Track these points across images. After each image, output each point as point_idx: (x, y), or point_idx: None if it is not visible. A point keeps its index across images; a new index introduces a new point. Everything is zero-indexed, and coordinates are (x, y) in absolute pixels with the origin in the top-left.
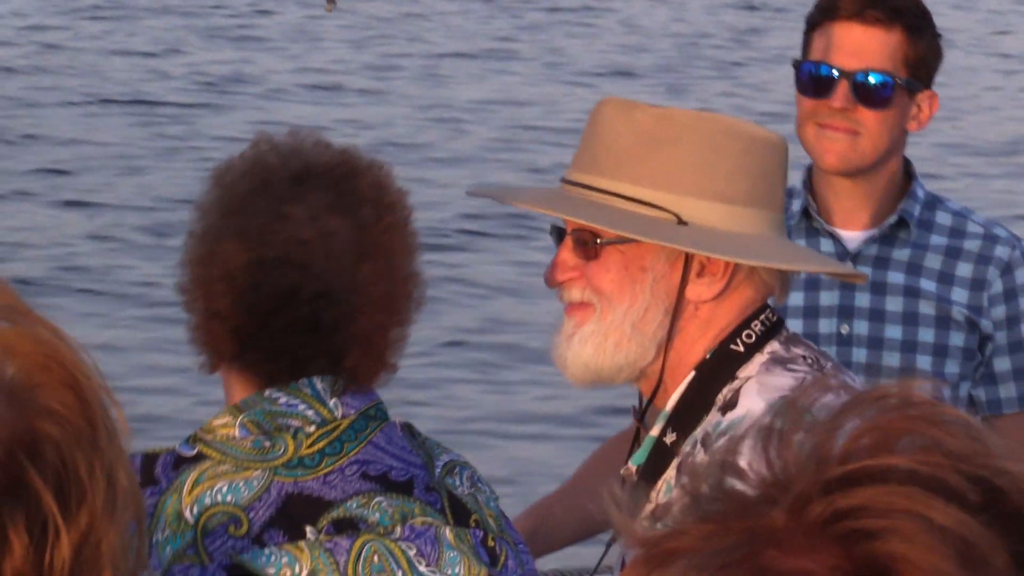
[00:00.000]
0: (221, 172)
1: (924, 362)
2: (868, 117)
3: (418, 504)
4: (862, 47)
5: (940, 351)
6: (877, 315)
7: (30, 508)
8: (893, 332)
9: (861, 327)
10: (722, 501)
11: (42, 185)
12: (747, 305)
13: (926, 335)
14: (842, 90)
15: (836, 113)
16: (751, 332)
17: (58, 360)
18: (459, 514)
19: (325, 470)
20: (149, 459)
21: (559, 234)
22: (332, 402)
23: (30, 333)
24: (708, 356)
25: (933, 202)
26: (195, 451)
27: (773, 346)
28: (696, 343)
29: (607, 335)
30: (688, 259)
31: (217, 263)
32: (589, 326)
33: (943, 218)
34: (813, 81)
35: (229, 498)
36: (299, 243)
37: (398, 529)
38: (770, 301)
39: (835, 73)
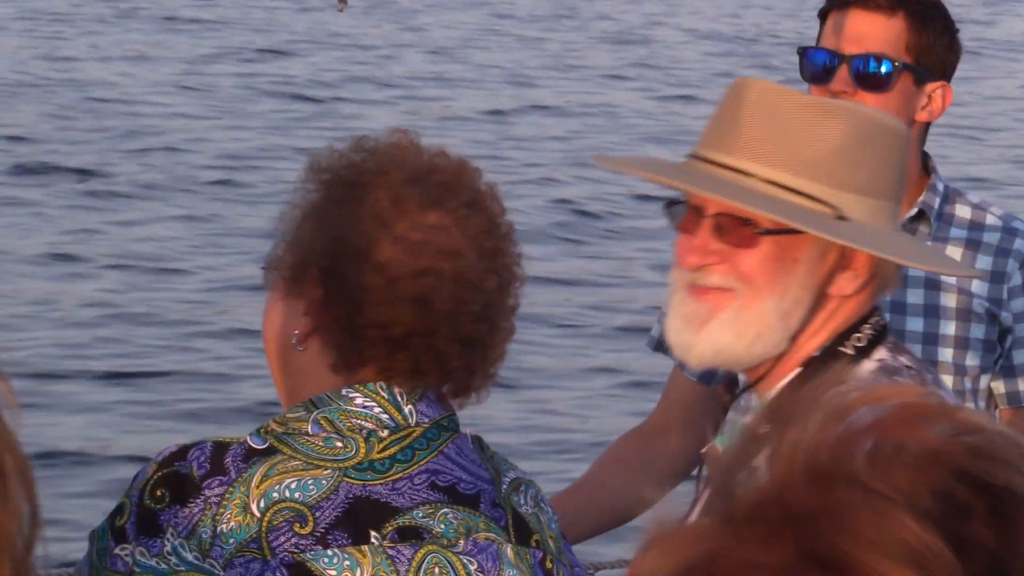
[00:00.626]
0: (345, 172)
1: (945, 354)
2: (869, 101)
3: (483, 519)
4: (863, 32)
5: (961, 343)
6: (899, 307)
7: None
8: (914, 324)
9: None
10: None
11: None
12: (868, 301)
13: (947, 328)
14: (841, 75)
15: (837, 98)
16: (861, 335)
17: None
18: (521, 532)
19: (394, 476)
20: (219, 448)
21: (680, 209)
22: (407, 408)
23: None
24: (817, 353)
25: (952, 195)
26: (266, 444)
27: (881, 353)
28: (815, 336)
29: (750, 324)
30: (839, 253)
31: (375, 271)
32: (728, 313)
33: (962, 211)
34: (814, 67)
35: (297, 495)
36: (454, 254)
37: (461, 542)
38: None
39: (835, 59)
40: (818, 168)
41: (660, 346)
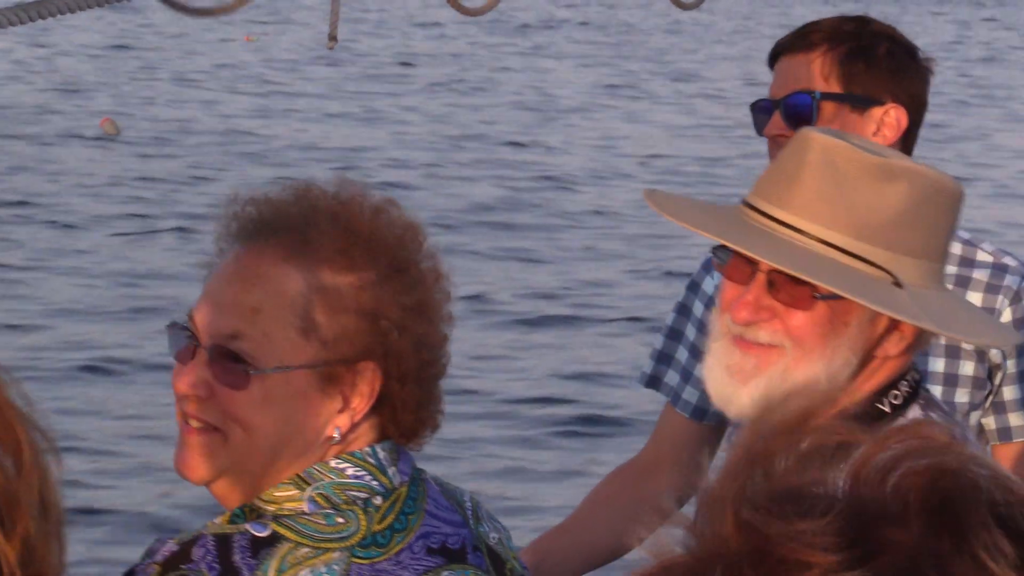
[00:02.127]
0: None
1: (934, 392)
2: None
3: (472, 571)
4: (788, 74)
5: (950, 380)
6: None
7: None
8: None
9: None
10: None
11: None
12: (908, 359)
13: (936, 364)
14: (775, 119)
15: (776, 141)
16: (898, 393)
17: None
18: (497, 566)
19: (396, 548)
20: (222, 543)
21: (736, 261)
22: (391, 471)
23: None
24: (855, 409)
25: None
26: (268, 531)
27: (915, 411)
28: (855, 392)
29: (797, 379)
30: (889, 321)
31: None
32: (775, 370)
33: (953, 247)
34: (757, 118)
35: None
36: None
37: None
38: None
39: (770, 104)
40: (877, 232)
41: (652, 382)
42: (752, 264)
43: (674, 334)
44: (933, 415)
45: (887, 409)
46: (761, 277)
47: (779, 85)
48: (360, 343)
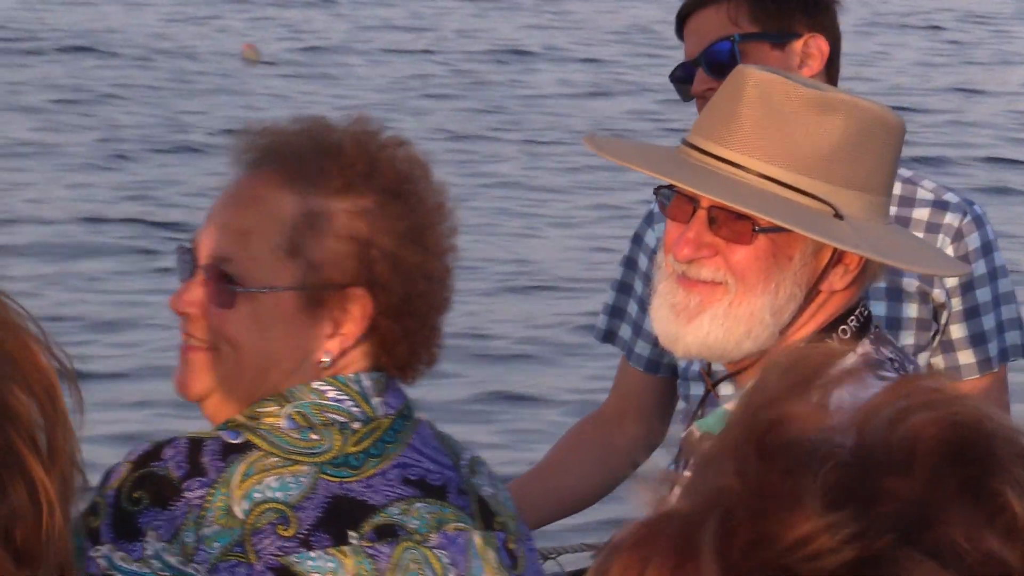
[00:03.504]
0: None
1: None
2: None
3: (452, 509)
4: (699, 30)
5: (893, 324)
6: None
7: (25, 475)
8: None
9: None
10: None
11: None
12: (856, 293)
13: (878, 308)
14: (699, 76)
15: (705, 99)
16: (847, 328)
17: (26, 331)
18: (486, 516)
19: (368, 472)
20: (194, 445)
21: (677, 200)
22: (375, 401)
23: (7, 305)
24: (804, 344)
25: None
26: (241, 439)
27: (865, 346)
28: (801, 329)
29: (741, 320)
30: (833, 249)
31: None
32: (719, 307)
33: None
34: (680, 84)
35: (279, 495)
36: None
37: (433, 536)
38: None
39: (689, 67)
40: (817, 165)
41: (607, 336)
42: (693, 201)
43: (623, 287)
44: (884, 350)
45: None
46: (702, 214)
47: (694, 44)
48: (349, 269)
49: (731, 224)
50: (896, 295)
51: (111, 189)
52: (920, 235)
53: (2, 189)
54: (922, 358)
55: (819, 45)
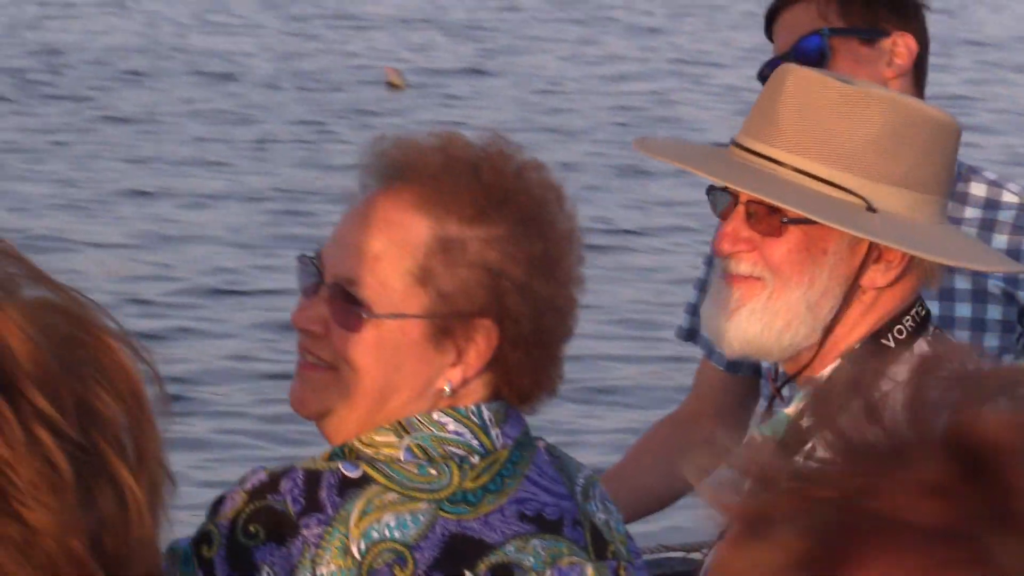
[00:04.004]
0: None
1: (962, 337)
2: None
3: (566, 543)
4: (789, 26)
5: (978, 325)
6: None
7: (113, 481)
8: (930, 308)
9: None
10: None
11: None
12: (909, 293)
13: (963, 310)
14: None
15: None
16: (903, 328)
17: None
18: (599, 547)
19: (486, 509)
20: (311, 478)
21: (722, 198)
22: (494, 433)
23: (75, 298)
24: (858, 345)
25: (968, 174)
26: (359, 472)
27: (922, 347)
28: (854, 329)
29: (778, 314)
30: (870, 246)
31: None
32: (757, 302)
33: (978, 189)
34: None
35: (396, 534)
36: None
37: (548, 572)
38: None
39: (778, 61)
40: (852, 159)
41: (689, 335)
42: (734, 197)
43: (704, 286)
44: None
45: (891, 344)
46: (740, 209)
47: (784, 39)
48: (479, 299)
49: (765, 218)
50: (981, 297)
51: None
52: (1005, 237)
53: None
54: (1007, 360)
55: (908, 44)
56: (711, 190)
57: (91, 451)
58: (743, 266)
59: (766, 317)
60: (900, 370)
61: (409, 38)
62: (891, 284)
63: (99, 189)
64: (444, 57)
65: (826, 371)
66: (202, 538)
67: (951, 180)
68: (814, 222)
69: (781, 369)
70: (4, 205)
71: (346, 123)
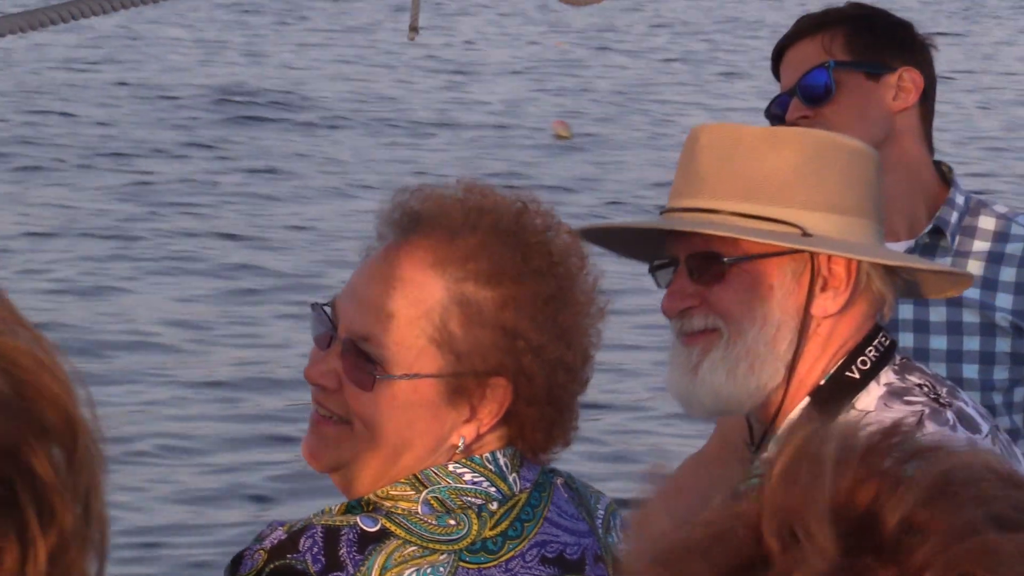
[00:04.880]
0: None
1: (971, 370)
2: (825, 113)
3: None
4: (797, 61)
5: (987, 358)
6: (921, 326)
7: (18, 525)
8: (938, 343)
9: (906, 339)
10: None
11: None
12: (864, 320)
13: (971, 343)
14: (794, 104)
15: (803, 126)
16: (866, 358)
17: (54, 379)
18: None
19: (507, 555)
20: (330, 535)
21: (665, 269)
22: (512, 477)
23: (29, 350)
24: (823, 383)
25: (976, 207)
26: (378, 526)
27: (889, 376)
28: (816, 363)
29: (739, 359)
30: (813, 274)
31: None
32: (717, 352)
33: (986, 223)
34: (773, 119)
35: None
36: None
37: None
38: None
39: (786, 95)
40: (778, 193)
41: None
42: (674, 262)
43: None
44: (912, 377)
45: (856, 376)
46: (682, 268)
47: (790, 75)
48: (493, 359)
49: (706, 267)
50: (989, 330)
51: None
52: (1013, 269)
53: None
54: (1018, 393)
55: (914, 79)
56: (653, 269)
57: (5, 501)
58: (695, 321)
59: (728, 364)
60: (868, 400)
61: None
62: (843, 311)
63: None
64: None
65: (795, 412)
66: None
67: (879, 206)
68: (755, 258)
69: (756, 423)
70: None
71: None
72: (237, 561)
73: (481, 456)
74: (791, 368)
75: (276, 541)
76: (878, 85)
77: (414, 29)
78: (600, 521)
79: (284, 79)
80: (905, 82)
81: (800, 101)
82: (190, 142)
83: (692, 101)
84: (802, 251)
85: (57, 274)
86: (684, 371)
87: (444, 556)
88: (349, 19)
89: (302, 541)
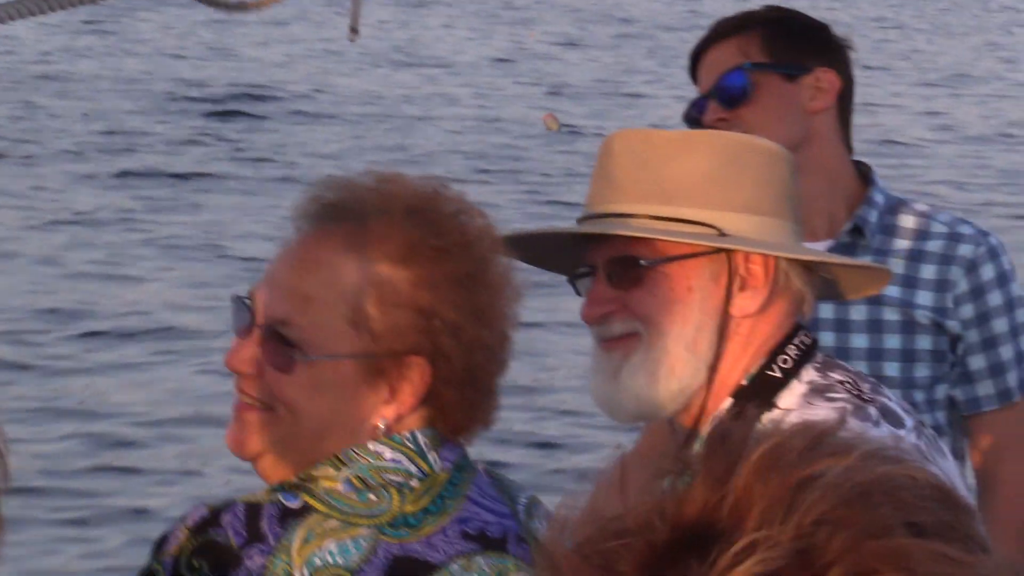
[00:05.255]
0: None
1: (892, 368)
2: (750, 116)
3: (512, 560)
4: (713, 63)
5: (908, 356)
6: (842, 325)
7: None
8: (859, 341)
9: (827, 338)
10: None
11: None
12: (784, 319)
13: (892, 341)
14: (711, 106)
15: (720, 128)
16: (787, 356)
17: None
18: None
19: (428, 530)
20: (252, 511)
21: (585, 277)
22: (431, 456)
23: None
24: (745, 382)
25: (896, 205)
26: (299, 503)
27: (810, 374)
28: (737, 362)
29: (660, 362)
30: (731, 274)
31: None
32: (637, 356)
33: (906, 221)
34: (691, 123)
35: (339, 560)
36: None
37: None
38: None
39: (704, 98)
40: (692, 195)
41: None
42: (593, 267)
43: None
44: (833, 374)
45: (778, 374)
46: (600, 275)
47: (707, 78)
48: (410, 339)
49: (624, 271)
50: (909, 327)
51: None
52: (933, 267)
53: None
54: (940, 390)
55: (830, 80)
56: (573, 279)
57: None
58: (616, 327)
59: (648, 367)
60: (791, 398)
61: None
62: (762, 310)
63: None
64: None
65: (720, 410)
66: None
67: (796, 206)
68: (673, 260)
69: (680, 426)
70: None
71: None
72: (162, 541)
73: (401, 435)
74: (713, 368)
75: (199, 518)
76: (795, 86)
77: (354, 30)
78: (522, 508)
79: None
80: (822, 83)
81: (717, 103)
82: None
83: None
84: (719, 250)
85: None
86: (606, 377)
87: (365, 530)
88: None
89: (224, 517)
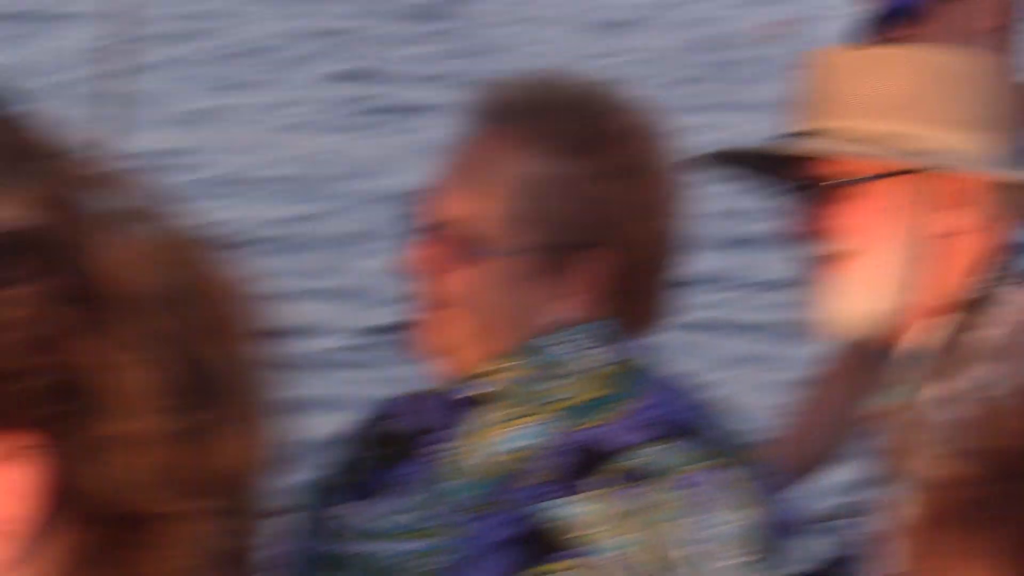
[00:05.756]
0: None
1: None
2: (929, 31)
3: (701, 448)
4: None
5: None
6: None
7: None
8: None
9: None
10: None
11: None
12: (996, 235)
13: None
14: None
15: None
16: (991, 277)
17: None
18: (733, 452)
19: (610, 416)
20: (436, 399)
21: (790, 194)
22: (611, 346)
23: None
24: (959, 298)
25: None
26: (482, 392)
27: (1016, 294)
28: (942, 282)
29: (873, 280)
30: (938, 192)
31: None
32: (852, 275)
33: None
34: (877, 36)
35: (521, 443)
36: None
37: (683, 476)
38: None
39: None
40: (900, 110)
41: None
42: (799, 184)
43: None
44: None
45: (983, 294)
46: (807, 193)
47: None
48: (589, 231)
49: (830, 190)
50: None
51: None
52: None
53: None
54: None
55: None
56: (778, 195)
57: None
58: (821, 246)
59: (868, 284)
60: (1001, 314)
61: None
62: (963, 230)
63: None
64: None
65: (922, 331)
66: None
67: (1003, 114)
68: (879, 178)
69: (876, 346)
70: None
71: None
72: (340, 433)
73: (581, 326)
74: (917, 288)
75: (380, 408)
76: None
77: None
78: (698, 402)
79: None
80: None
81: (898, 21)
82: None
83: None
84: (925, 169)
85: None
86: (823, 297)
87: (550, 415)
88: None
89: (404, 406)
